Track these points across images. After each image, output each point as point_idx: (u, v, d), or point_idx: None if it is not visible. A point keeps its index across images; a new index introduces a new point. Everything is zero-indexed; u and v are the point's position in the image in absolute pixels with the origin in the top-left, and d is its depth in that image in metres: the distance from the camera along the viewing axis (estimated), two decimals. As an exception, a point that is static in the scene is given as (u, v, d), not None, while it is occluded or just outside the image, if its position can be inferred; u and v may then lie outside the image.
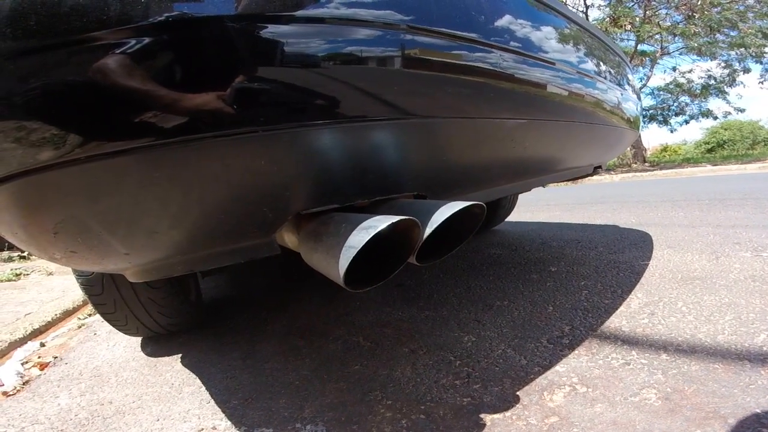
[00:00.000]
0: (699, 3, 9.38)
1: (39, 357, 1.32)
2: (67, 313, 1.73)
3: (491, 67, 0.61)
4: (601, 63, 1.05)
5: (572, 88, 0.86)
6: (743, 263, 1.33)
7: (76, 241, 0.50)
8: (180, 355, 1.20)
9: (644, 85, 12.74)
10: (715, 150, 15.35)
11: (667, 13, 10.49)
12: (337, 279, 0.46)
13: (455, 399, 0.75)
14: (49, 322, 1.59)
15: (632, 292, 1.20)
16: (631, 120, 1.31)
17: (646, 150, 13.93)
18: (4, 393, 1.09)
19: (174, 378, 1.06)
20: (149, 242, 0.51)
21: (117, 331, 1.35)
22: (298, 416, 0.77)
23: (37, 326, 1.52)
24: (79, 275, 1.09)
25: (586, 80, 0.91)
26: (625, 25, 10.17)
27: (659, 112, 13.24)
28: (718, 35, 9.93)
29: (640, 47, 11.24)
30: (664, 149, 19.25)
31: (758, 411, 0.60)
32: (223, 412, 0.86)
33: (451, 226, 0.53)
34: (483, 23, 0.60)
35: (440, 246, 0.59)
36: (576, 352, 0.88)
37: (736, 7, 9.27)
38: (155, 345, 1.30)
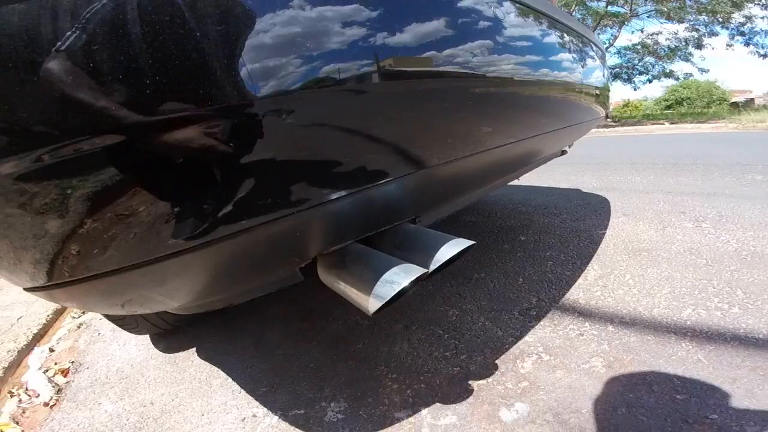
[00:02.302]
0: None
1: (55, 363, 1.31)
2: (58, 312, 1.70)
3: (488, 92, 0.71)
4: (585, 62, 1.14)
5: (559, 99, 0.96)
6: (685, 234, 1.55)
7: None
8: (194, 349, 1.25)
9: (611, 45, 12.91)
10: (673, 107, 16.18)
11: None
12: (364, 309, 0.58)
13: (447, 369, 0.93)
14: (45, 324, 1.56)
15: (589, 264, 1.40)
16: (602, 108, 1.42)
17: (609, 106, 14.54)
18: (46, 404, 1.10)
19: (198, 372, 1.13)
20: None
21: (119, 330, 1.36)
22: (321, 396, 0.92)
23: (36, 330, 1.49)
24: None
25: (570, 91, 1.01)
26: None
27: (624, 71, 13.70)
28: (688, 1, 10.03)
29: (610, 8, 11.25)
30: (626, 104, 19.88)
31: (676, 380, 0.80)
32: (256, 399, 0.96)
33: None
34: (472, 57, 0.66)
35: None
36: (541, 323, 1.07)
37: None
38: (166, 341, 1.33)
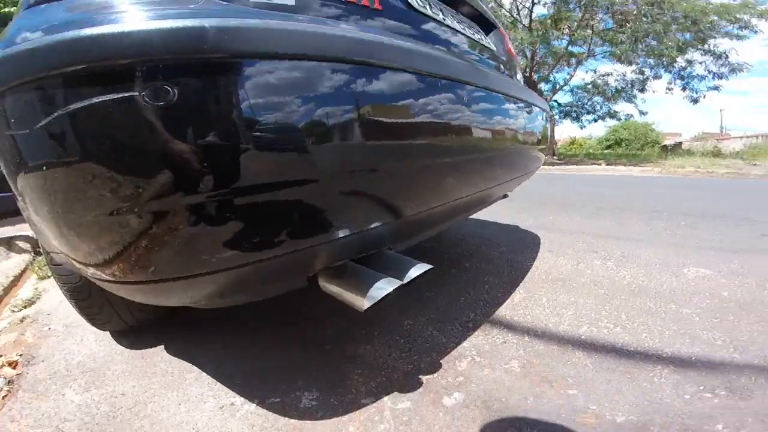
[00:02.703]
0: (634, 12, 10.24)
1: (1, 356, 1.29)
2: None
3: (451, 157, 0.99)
4: (532, 124, 1.47)
5: (508, 158, 1.27)
6: (593, 270, 1.93)
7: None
8: (162, 347, 1.33)
9: (566, 83, 14.08)
10: (612, 147, 17.65)
11: (602, 18, 11.49)
12: (358, 306, 0.81)
13: (403, 366, 1.17)
14: None
15: (517, 288, 1.72)
16: (543, 155, 1.77)
17: (557, 143, 15.49)
18: None
19: (170, 367, 1.21)
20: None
21: (75, 325, 1.44)
22: (295, 387, 1.09)
23: None
24: (65, 283, 1.16)
25: (521, 145, 1.32)
26: (563, 29, 10.96)
27: (574, 110, 14.80)
28: (639, 45, 11.06)
29: (571, 48, 12.26)
30: (572, 142, 21.62)
31: (570, 380, 1.10)
32: (233, 390, 1.08)
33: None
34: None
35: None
36: (476, 333, 1.35)
37: (664, 18, 10.29)
38: (129, 339, 1.39)
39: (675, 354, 1.19)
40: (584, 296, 1.63)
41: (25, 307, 1.70)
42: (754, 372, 1.07)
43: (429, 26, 1.12)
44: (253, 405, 1.03)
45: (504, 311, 1.51)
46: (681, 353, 1.19)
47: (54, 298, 1.80)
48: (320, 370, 1.18)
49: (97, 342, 1.39)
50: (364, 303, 0.78)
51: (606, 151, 16.85)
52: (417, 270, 0.87)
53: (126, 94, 0.48)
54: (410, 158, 0.85)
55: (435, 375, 1.13)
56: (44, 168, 0.54)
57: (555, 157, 12.16)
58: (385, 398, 1.04)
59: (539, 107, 1.68)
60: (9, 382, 1.16)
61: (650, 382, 1.06)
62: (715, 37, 10.86)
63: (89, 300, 1.20)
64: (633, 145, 17.23)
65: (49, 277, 2.03)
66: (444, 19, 1.20)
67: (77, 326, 1.49)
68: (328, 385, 1.11)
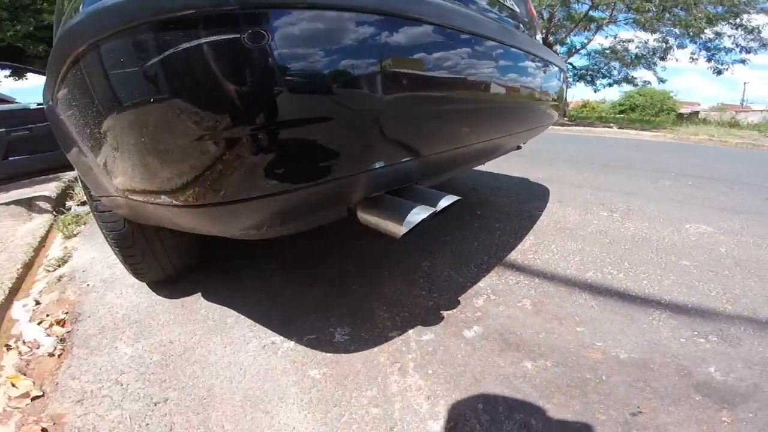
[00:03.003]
0: None
1: (48, 315, 1.30)
2: (27, 266, 1.67)
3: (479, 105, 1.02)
4: (549, 81, 1.47)
5: (516, 99, 1.29)
6: (599, 220, 2.01)
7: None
8: (199, 294, 1.37)
9: (584, 47, 13.26)
10: (626, 112, 17.01)
11: None
12: (395, 235, 0.87)
13: (424, 303, 1.28)
14: (16, 278, 1.52)
15: (527, 235, 1.80)
16: (557, 112, 1.78)
17: (568, 105, 14.91)
18: (51, 354, 1.11)
19: (210, 313, 1.26)
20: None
21: (112, 280, 1.48)
22: (328, 324, 1.18)
23: (10, 285, 1.45)
24: (110, 230, 1.19)
25: (526, 93, 1.33)
26: None
27: (589, 73, 14.09)
28: (667, 14, 10.35)
29: (592, 12, 11.43)
30: (585, 105, 20.81)
31: (576, 318, 1.21)
32: (272, 330, 1.15)
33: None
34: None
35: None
36: (490, 274, 1.45)
37: None
38: (167, 289, 1.42)
39: (672, 301, 1.30)
40: (590, 244, 1.72)
41: (59, 266, 1.69)
42: (744, 322, 1.18)
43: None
44: (292, 342, 1.11)
45: (515, 255, 1.60)
46: (678, 301, 1.30)
47: (85, 255, 1.80)
48: (349, 308, 1.27)
49: (137, 294, 1.41)
50: (401, 229, 0.84)
51: (619, 115, 16.27)
52: (447, 200, 0.92)
53: (230, 36, 0.52)
54: (437, 102, 0.89)
55: (454, 311, 1.24)
56: (143, 105, 0.58)
57: (566, 119, 11.82)
58: (410, 331, 1.15)
59: (557, 67, 1.67)
60: (61, 340, 1.17)
61: (649, 324, 1.18)
62: (749, 12, 10.15)
63: (132, 248, 1.23)
64: (648, 112, 16.67)
65: (75, 235, 2.06)
66: None
67: (114, 281, 1.52)
68: (358, 321, 1.21)
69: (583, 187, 2.67)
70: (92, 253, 1.80)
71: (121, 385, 1.00)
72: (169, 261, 1.35)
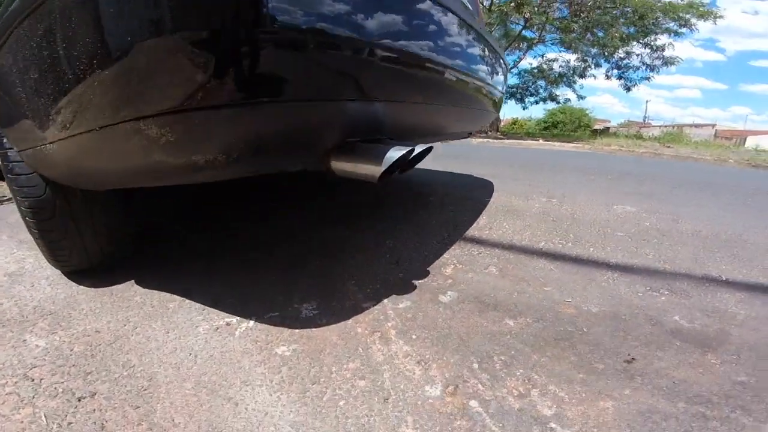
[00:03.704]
0: (589, 3, 10.52)
1: None
2: None
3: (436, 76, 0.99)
4: (490, 67, 1.51)
5: (470, 87, 1.29)
6: (540, 205, 2.11)
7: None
8: (132, 282, 1.18)
9: (515, 66, 14.32)
10: (549, 129, 18.59)
11: (558, 7, 11.63)
12: (372, 176, 0.78)
13: (395, 275, 1.19)
14: None
15: (480, 216, 1.82)
16: (497, 105, 1.85)
17: (500, 121, 16.06)
18: None
19: (147, 299, 1.08)
20: None
21: (20, 273, 1.23)
22: (291, 301, 1.05)
23: None
24: (27, 197, 1.01)
25: (477, 83, 1.35)
26: (525, 13, 10.93)
27: (518, 91, 15.30)
28: (588, 34, 11.51)
29: (524, 32, 12.43)
30: (514, 122, 22.53)
31: (540, 279, 1.21)
32: (226, 311, 1.00)
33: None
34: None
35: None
36: (452, 248, 1.42)
37: (614, 12, 10.78)
38: (92, 278, 1.20)
39: (620, 263, 1.37)
40: (537, 222, 1.78)
41: None
42: (684, 279, 1.27)
43: None
44: (251, 322, 0.96)
45: (473, 232, 1.60)
46: (624, 262, 1.38)
47: None
48: (313, 285, 1.14)
49: (53, 287, 1.17)
50: (379, 169, 0.76)
51: (544, 131, 17.84)
52: (420, 147, 0.86)
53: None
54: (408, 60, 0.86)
55: (426, 279, 1.17)
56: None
57: (498, 133, 12.62)
58: (385, 301, 1.06)
59: (502, 62, 1.78)
60: None
61: (607, 282, 1.22)
62: (656, 33, 11.68)
63: (52, 220, 1.02)
64: (568, 127, 18.36)
65: None
66: None
67: (23, 274, 1.24)
68: (325, 296, 1.08)
69: (522, 181, 2.82)
70: None
71: (32, 380, 0.78)
72: (97, 242, 1.12)
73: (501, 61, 1.78)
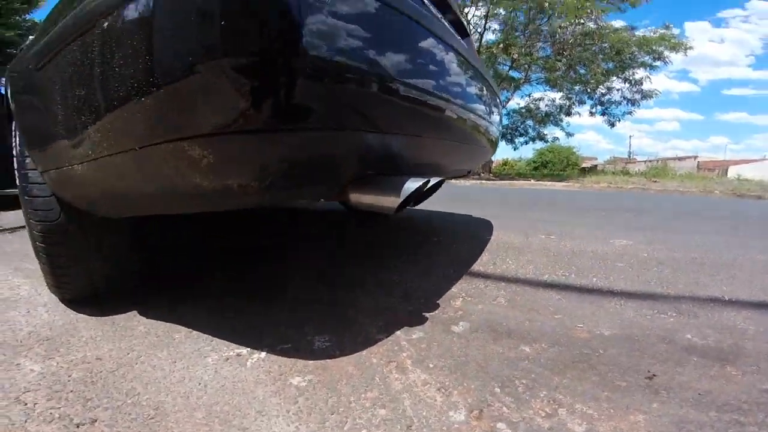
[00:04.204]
0: (571, 41, 11.17)
1: None
2: None
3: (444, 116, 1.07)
4: (490, 106, 1.61)
5: (473, 124, 1.38)
6: (540, 241, 2.14)
7: None
8: (134, 312, 1.17)
9: (504, 106, 14.89)
10: (539, 168, 18.94)
11: (541, 46, 12.31)
12: (390, 208, 0.81)
13: (405, 308, 1.19)
14: None
15: (483, 252, 1.84)
16: (494, 144, 1.95)
17: (492, 163, 16.47)
18: None
19: (152, 329, 1.07)
20: None
21: (15, 299, 1.23)
22: (303, 333, 1.04)
23: None
24: (40, 220, 1.02)
25: (479, 121, 1.44)
26: (513, 54, 11.61)
27: (509, 132, 15.71)
28: (571, 72, 12.07)
29: (511, 73, 13.01)
30: (505, 163, 23.16)
31: (550, 308, 1.22)
32: (236, 343, 0.98)
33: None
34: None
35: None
36: (459, 282, 1.43)
37: (593, 48, 11.32)
38: (91, 307, 1.19)
39: (624, 290, 1.38)
40: (539, 257, 1.81)
41: None
42: (689, 300, 1.29)
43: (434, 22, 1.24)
44: (263, 353, 0.95)
45: (477, 267, 1.61)
46: (628, 289, 1.39)
47: None
48: (324, 318, 1.13)
49: (50, 313, 1.16)
50: (397, 200, 0.79)
51: (534, 171, 18.24)
52: (434, 180, 0.90)
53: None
54: (424, 96, 0.94)
55: (436, 312, 1.17)
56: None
57: (491, 174, 12.88)
58: (398, 332, 1.05)
59: (498, 99, 1.91)
60: None
61: (615, 308, 1.23)
62: (633, 67, 12.23)
63: (63, 246, 1.04)
64: (557, 167, 18.72)
65: None
66: (441, 19, 1.32)
67: (18, 299, 1.24)
68: (337, 329, 1.07)
69: (520, 219, 2.88)
70: None
71: (25, 404, 0.75)
72: (103, 270, 1.14)
73: (498, 99, 1.89)
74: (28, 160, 1.08)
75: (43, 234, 1.03)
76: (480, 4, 12.07)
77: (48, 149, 0.96)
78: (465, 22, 1.80)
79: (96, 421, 0.72)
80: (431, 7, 1.29)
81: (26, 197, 1.07)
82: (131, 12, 0.60)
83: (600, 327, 1.09)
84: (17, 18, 11.51)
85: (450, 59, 1.12)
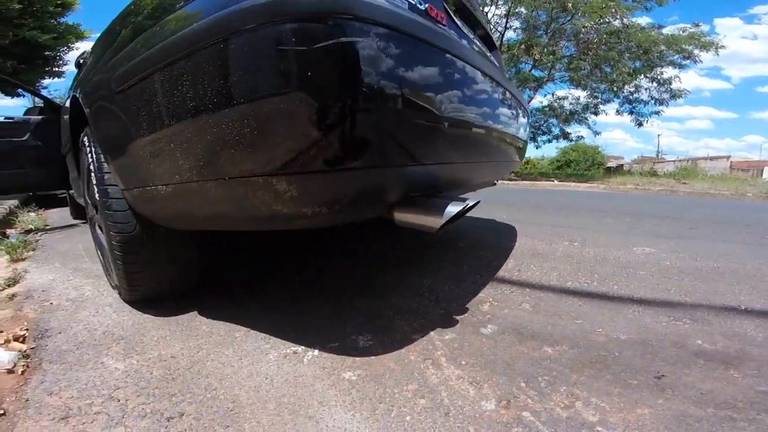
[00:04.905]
0: (595, 40, 10.81)
1: (1, 331, 1.17)
2: None
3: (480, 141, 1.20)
4: (518, 119, 1.73)
5: (505, 141, 1.50)
6: (563, 248, 2.23)
7: None
8: (195, 313, 1.31)
9: (527, 104, 14.40)
10: (562, 167, 18.25)
11: (565, 45, 11.95)
12: (432, 228, 0.94)
13: (436, 311, 1.32)
14: None
15: (507, 259, 1.95)
16: (522, 153, 2.05)
17: None
18: (10, 371, 0.97)
19: (214, 329, 1.20)
20: None
21: (83, 299, 1.39)
22: (347, 333, 1.18)
23: None
24: (120, 232, 1.16)
25: (509, 138, 1.55)
26: (535, 54, 11.30)
27: (531, 130, 15.12)
28: (597, 71, 11.60)
29: (534, 72, 12.63)
30: (527, 162, 22.58)
31: (572, 314, 1.32)
32: (290, 342, 1.12)
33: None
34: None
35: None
36: (486, 287, 1.55)
37: (619, 47, 10.92)
38: (155, 308, 1.33)
39: (643, 297, 1.47)
40: (562, 264, 1.90)
41: (9, 285, 1.55)
42: (704, 309, 1.37)
43: (465, 39, 1.36)
44: (316, 351, 1.08)
45: (503, 273, 1.73)
46: (647, 297, 1.48)
47: (41, 276, 1.67)
48: (364, 319, 1.27)
49: (118, 313, 1.31)
50: (439, 221, 0.92)
51: (557, 170, 17.59)
52: (471, 201, 1.03)
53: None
54: (463, 126, 1.07)
55: (466, 315, 1.30)
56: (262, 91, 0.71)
57: (513, 174, 12.58)
58: (432, 333, 1.18)
59: (526, 112, 2.01)
60: (25, 356, 1.04)
61: (633, 315, 1.32)
62: (661, 66, 11.70)
63: (137, 254, 1.19)
64: (581, 166, 17.89)
65: (24, 259, 1.88)
66: (473, 38, 1.45)
67: (85, 300, 1.42)
68: (377, 329, 1.21)
69: (543, 225, 2.95)
70: (50, 275, 1.67)
71: (118, 400, 0.88)
72: (169, 274, 1.28)
73: (525, 110, 1.98)
74: (107, 176, 1.24)
75: (121, 243, 1.17)
76: (500, 2, 11.87)
77: (132, 171, 1.10)
78: (491, 35, 1.92)
79: (183, 414, 0.84)
80: (464, 28, 1.41)
81: (106, 211, 1.22)
82: (235, 50, 0.74)
83: (617, 332, 1.19)
84: (53, 22, 11.82)
85: (485, 87, 1.25)
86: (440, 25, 1.12)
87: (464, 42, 1.31)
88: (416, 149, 0.91)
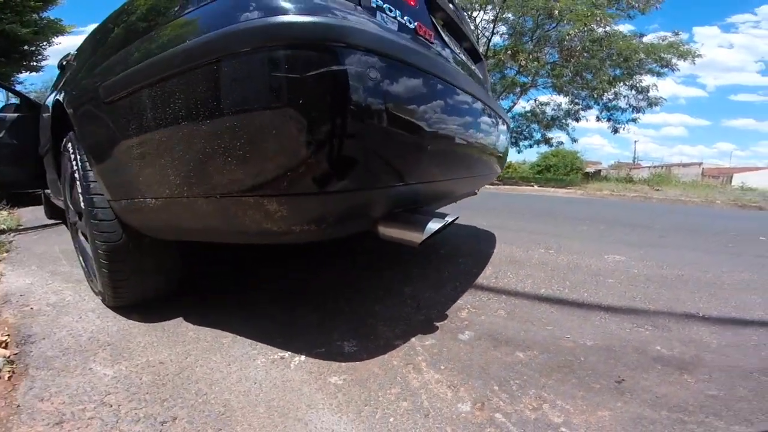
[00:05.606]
0: (578, 47, 11.09)
1: None
2: None
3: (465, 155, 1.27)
4: (499, 133, 1.81)
5: (486, 154, 1.57)
6: (539, 255, 2.33)
7: None
8: (180, 319, 1.33)
9: (509, 110, 14.44)
10: (543, 172, 18.78)
11: (549, 52, 12.19)
12: (414, 242, 1.01)
13: (417, 317, 1.39)
14: None
15: (486, 266, 2.03)
16: (502, 162, 2.14)
17: None
18: None
19: (201, 335, 1.22)
20: None
21: (64, 304, 1.39)
22: (332, 339, 1.22)
23: None
24: (106, 241, 1.18)
25: (490, 150, 1.63)
26: (521, 60, 11.49)
27: (513, 135, 15.38)
28: (578, 78, 11.90)
29: (518, 77, 12.90)
30: (508, 166, 22.96)
31: (544, 320, 1.41)
32: (277, 348, 1.15)
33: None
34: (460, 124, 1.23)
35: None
36: (465, 294, 1.62)
37: (600, 55, 11.21)
38: (138, 313, 1.34)
39: (610, 305, 1.57)
40: (537, 271, 2.00)
41: None
42: (665, 316, 1.47)
43: (450, 54, 1.43)
44: (303, 356, 1.12)
45: (481, 280, 1.81)
46: (614, 304, 1.58)
47: (18, 280, 1.66)
48: (348, 326, 1.33)
49: (101, 318, 1.31)
50: (421, 236, 0.99)
51: (537, 175, 18.06)
52: (450, 217, 1.10)
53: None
54: (442, 141, 1.13)
55: (445, 321, 1.37)
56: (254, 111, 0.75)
57: (494, 179, 12.61)
58: (413, 339, 1.24)
59: (506, 124, 2.09)
60: (9, 361, 1.03)
61: (600, 321, 1.42)
62: (640, 74, 12.07)
63: (123, 263, 1.21)
64: (560, 171, 18.38)
65: None
66: (459, 52, 1.53)
67: (67, 305, 1.42)
68: (361, 335, 1.27)
69: (521, 232, 3.06)
70: (27, 279, 1.66)
71: (110, 406, 0.90)
72: (154, 281, 1.30)
73: (506, 122, 2.06)
74: (93, 185, 1.24)
75: (107, 252, 1.19)
76: (488, 7, 12.06)
77: (120, 183, 1.12)
78: (478, 48, 2.00)
79: (176, 418, 0.86)
80: (450, 42, 1.48)
81: (92, 220, 1.22)
82: (228, 72, 0.78)
83: (584, 338, 1.28)
84: (34, 16, 11.61)
85: (469, 106, 1.32)
86: (428, 43, 1.18)
87: (451, 59, 1.38)
88: (404, 170, 0.98)
